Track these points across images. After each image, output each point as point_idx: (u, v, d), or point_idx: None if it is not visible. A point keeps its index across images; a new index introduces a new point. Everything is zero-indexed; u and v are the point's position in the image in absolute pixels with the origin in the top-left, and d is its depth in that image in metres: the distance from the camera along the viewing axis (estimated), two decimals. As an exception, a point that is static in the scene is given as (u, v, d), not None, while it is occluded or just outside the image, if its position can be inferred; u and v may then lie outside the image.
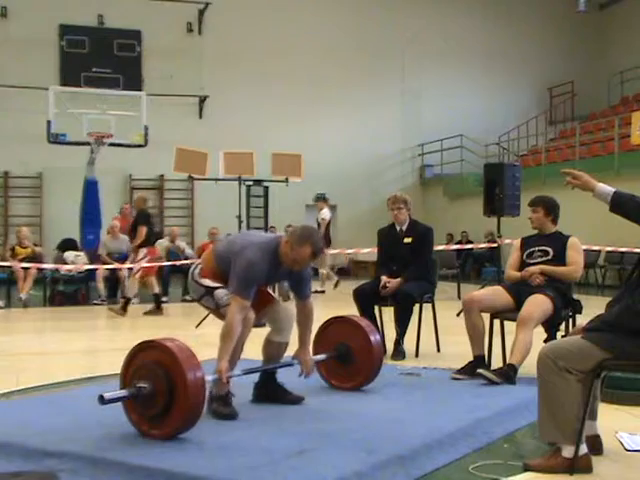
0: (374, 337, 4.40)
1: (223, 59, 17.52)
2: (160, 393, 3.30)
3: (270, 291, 4.26)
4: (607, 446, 3.24)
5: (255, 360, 4.25)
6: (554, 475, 2.96)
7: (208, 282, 3.96)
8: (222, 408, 3.77)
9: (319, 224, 12.72)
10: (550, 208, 4.97)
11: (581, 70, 20.09)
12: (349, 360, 4.41)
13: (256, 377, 4.18)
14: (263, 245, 3.83)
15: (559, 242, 4.95)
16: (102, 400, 3.28)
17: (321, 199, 13.20)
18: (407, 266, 5.87)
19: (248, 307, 3.75)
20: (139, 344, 3.50)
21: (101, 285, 10.74)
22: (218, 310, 3.92)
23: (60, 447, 3.20)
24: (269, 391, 4.12)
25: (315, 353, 4.35)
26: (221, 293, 3.89)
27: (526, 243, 5.10)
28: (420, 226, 6.11)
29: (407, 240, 5.97)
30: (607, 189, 3.41)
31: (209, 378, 3.55)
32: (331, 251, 14.76)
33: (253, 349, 4.16)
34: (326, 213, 12.90)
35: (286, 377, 4.18)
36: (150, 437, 3.35)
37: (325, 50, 18.40)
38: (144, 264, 9.35)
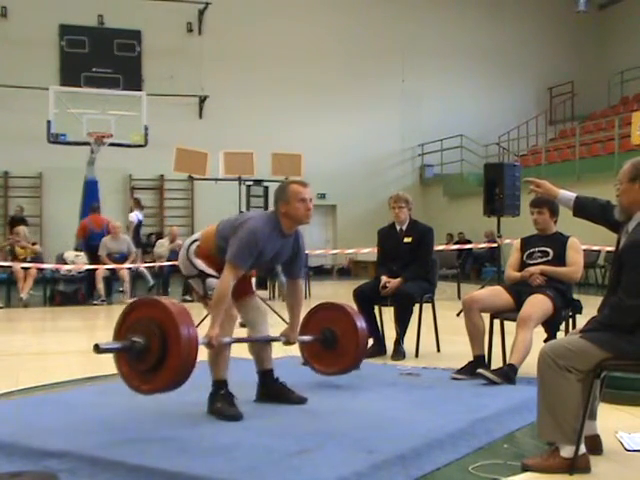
0: (360, 323, 4.38)
1: (223, 59, 17.53)
2: (153, 348, 3.29)
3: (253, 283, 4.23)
4: (607, 446, 3.24)
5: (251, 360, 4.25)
6: (554, 475, 2.96)
7: (202, 265, 3.88)
8: (226, 408, 3.75)
9: (127, 227, 12.91)
10: (555, 209, 4.96)
11: (581, 70, 20.10)
12: (334, 345, 4.40)
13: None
14: (265, 216, 3.90)
15: (559, 242, 4.95)
16: (97, 349, 3.28)
17: (134, 200, 13.45)
18: (407, 266, 5.87)
19: (240, 275, 3.73)
20: (132, 303, 3.52)
21: (101, 285, 10.74)
22: (205, 298, 3.87)
23: (60, 447, 3.19)
24: (271, 391, 4.11)
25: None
26: (213, 283, 3.80)
27: (526, 244, 5.10)
28: (420, 226, 6.11)
29: (407, 240, 5.97)
30: (569, 194, 3.52)
31: (200, 340, 3.51)
32: (316, 251, 14.74)
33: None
34: (133, 216, 12.96)
35: (288, 378, 4.18)
36: (140, 392, 3.36)
37: (325, 50, 18.41)
38: None
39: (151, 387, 3.34)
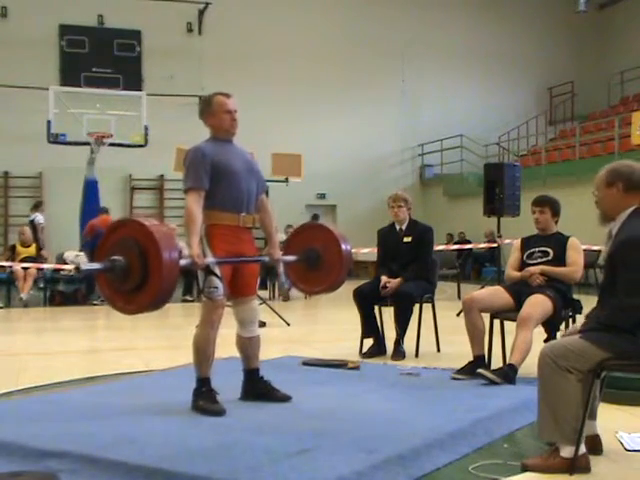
0: (344, 244, 4.20)
1: (223, 59, 17.52)
2: (134, 266, 3.24)
3: (256, 287, 4.15)
4: (607, 446, 3.23)
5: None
6: (554, 475, 2.95)
7: (210, 257, 3.79)
8: (209, 405, 3.78)
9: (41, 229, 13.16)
10: (557, 209, 4.97)
11: (581, 70, 20.10)
12: (317, 264, 4.22)
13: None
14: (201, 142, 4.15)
15: (559, 243, 4.95)
16: (78, 270, 3.32)
17: (36, 202, 13.89)
18: (407, 266, 5.87)
19: (203, 194, 3.82)
20: (112, 224, 3.54)
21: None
22: (202, 292, 3.85)
23: (60, 447, 3.19)
24: (256, 389, 4.09)
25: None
26: (212, 282, 3.77)
27: (526, 243, 5.10)
28: (420, 226, 6.11)
29: (407, 240, 5.98)
30: None
31: (183, 262, 3.49)
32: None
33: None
34: (40, 218, 13.26)
35: (287, 378, 4.18)
36: (126, 313, 3.36)
37: (325, 50, 18.40)
38: None
39: (136, 307, 3.30)
